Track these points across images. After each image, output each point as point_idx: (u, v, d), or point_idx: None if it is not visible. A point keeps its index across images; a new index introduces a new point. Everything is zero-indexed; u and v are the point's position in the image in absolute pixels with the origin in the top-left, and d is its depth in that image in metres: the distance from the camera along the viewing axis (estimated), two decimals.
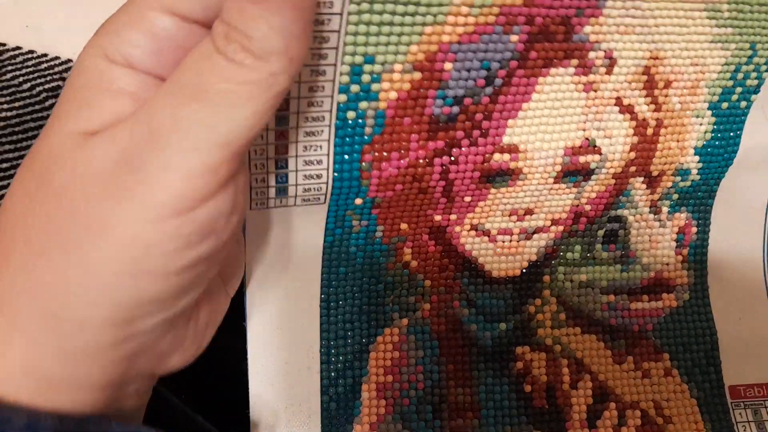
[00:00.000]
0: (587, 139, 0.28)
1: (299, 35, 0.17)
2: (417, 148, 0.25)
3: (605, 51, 0.26)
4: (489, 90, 0.25)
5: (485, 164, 0.27)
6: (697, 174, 0.32)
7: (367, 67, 0.22)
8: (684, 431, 0.31)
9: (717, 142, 0.31)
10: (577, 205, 0.31)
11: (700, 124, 0.30)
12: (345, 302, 0.30)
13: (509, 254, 0.31)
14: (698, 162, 0.31)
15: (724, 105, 0.30)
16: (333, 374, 0.29)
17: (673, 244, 0.33)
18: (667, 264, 0.33)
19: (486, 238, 0.30)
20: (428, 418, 0.30)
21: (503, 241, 0.30)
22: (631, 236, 0.33)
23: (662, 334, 0.32)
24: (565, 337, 0.31)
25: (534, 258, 0.32)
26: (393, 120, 0.24)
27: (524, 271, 0.32)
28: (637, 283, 0.32)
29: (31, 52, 0.36)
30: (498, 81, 0.25)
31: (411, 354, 0.30)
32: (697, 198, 0.33)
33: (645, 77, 0.28)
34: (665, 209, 0.33)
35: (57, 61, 0.36)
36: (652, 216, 0.33)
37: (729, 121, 0.30)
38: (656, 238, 0.33)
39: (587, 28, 0.25)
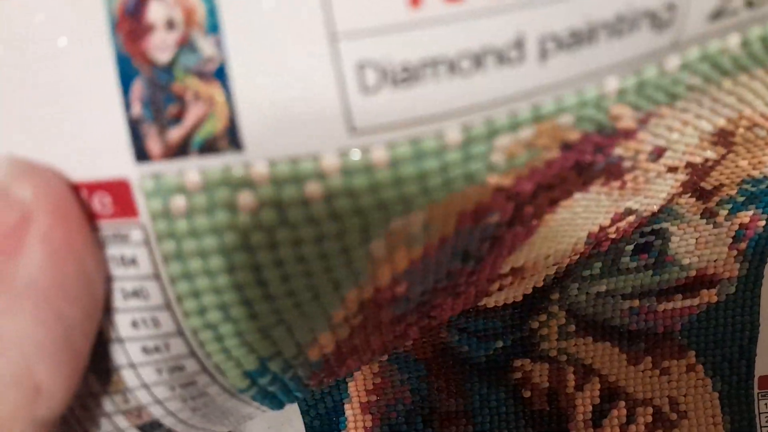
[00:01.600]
0: (617, 212, 0.20)
1: None
2: (381, 346, 0.18)
3: (650, 149, 0.16)
4: (470, 264, 0.17)
5: (479, 297, 0.20)
6: None
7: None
8: (700, 425, 0.28)
9: None
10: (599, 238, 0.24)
11: None
12: None
13: (509, 288, 0.25)
14: None
15: None
16: (311, 402, 0.28)
17: (729, 240, 0.26)
18: (716, 260, 0.26)
19: None
20: (419, 428, 0.28)
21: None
22: (670, 243, 0.26)
23: (691, 332, 0.28)
24: (573, 347, 0.28)
25: (540, 284, 0.26)
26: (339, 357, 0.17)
27: (527, 294, 0.26)
28: (671, 284, 0.27)
29: None
30: (481, 252, 0.16)
31: (395, 377, 0.28)
32: None
33: (717, 137, 0.18)
34: (724, 212, 0.25)
35: None
36: (704, 221, 0.25)
37: None
38: (705, 239, 0.26)
39: (617, 150, 0.15)
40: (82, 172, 0.11)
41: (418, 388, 0.28)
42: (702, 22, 0.11)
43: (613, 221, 0.22)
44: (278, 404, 0.17)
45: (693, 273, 0.26)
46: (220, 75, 0.10)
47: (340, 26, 0.10)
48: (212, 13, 0.10)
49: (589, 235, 0.22)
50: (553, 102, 0.11)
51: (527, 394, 0.28)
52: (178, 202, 0.11)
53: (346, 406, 0.28)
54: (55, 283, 0.11)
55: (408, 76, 0.10)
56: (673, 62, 0.12)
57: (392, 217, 0.12)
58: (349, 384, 0.27)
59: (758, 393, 0.28)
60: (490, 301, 0.26)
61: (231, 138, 0.11)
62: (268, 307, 0.13)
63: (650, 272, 0.26)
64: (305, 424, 0.28)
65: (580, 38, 0.10)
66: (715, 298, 0.27)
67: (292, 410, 0.28)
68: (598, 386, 0.28)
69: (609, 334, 0.27)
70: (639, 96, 0.12)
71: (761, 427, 0.28)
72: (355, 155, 0.11)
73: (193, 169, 0.11)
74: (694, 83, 0.12)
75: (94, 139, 0.11)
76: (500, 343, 0.27)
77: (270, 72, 0.10)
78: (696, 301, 0.27)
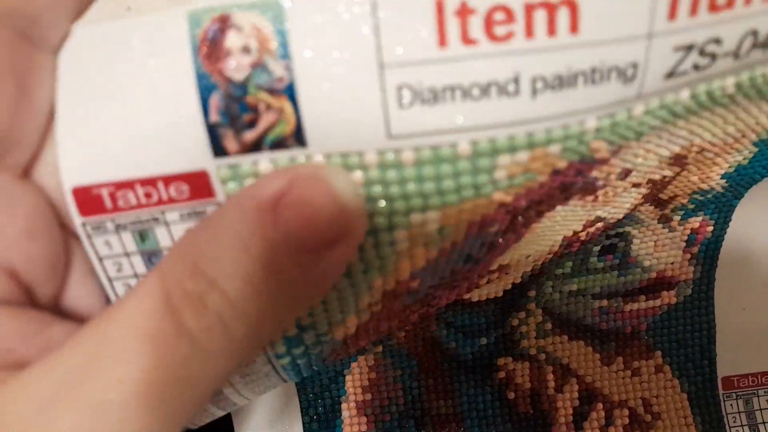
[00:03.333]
0: (589, 220, 0.24)
1: None
2: (387, 329, 0.20)
3: (619, 171, 0.20)
4: (470, 264, 0.19)
5: (469, 289, 0.23)
6: (723, 189, 0.26)
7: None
8: (673, 426, 0.30)
9: (754, 167, 0.25)
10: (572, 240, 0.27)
11: (737, 158, 0.24)
12: None
13: (491, 282, 0.28)
14: (726, 183, 0.26)
15: None
16: (311, 396, 0.29)
17: (682, 244, 0.29)
18: (672, 263, 0.29)
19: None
20: (411, 431, 0.30)
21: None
22: (632, 245, 0.29)
23: (656, 332, 0.30)
24: (550, 345, 0.30)
25: (518, 280, 0.29)
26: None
27: (507, 290, 0.29)
28: (635, 285, 0.29)
29: None
30: (480, 255, 0.19)
31: (389, 373, 0.29)
32: (720, 203, 0.28)
33: (673, 159, 0.22)
34: (677, 218, 0.28)
35: None
36: (660, 226, 0.28)
37: None
38: (663, 242, 0.29)
39: (594, 173, 0.19)
40: (163, 167, 0.14)
41: (410, 386, 0.29)
42: (659, 80, 0.14)
43: (585, 227, 0.25)
44: (299, 376, 0.19)
45: (653, 275, 0.29)
46: (289, 91, 0.13)
47: (386, 59, 0.13)
48: (283, 44, 0.13)
49: (564, 238, 0.25)
50: (544, 132, 0.14)
51: (511, 395, 0.30)
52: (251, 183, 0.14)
53: (343, 406, 0.29)
54: None
55: (433, 97, 0.13)
56: (638, 109, 0.15)
57: (413, 210, 0.15)
58: (347, 378, 0.29)
59: (723, 394, 0.30)
60: (474, 295, 0.28)
61: (297, 138, 0.13)
62: None
63: (615, 273, 0.29)
64: (304, 425, 0.29)
65: (562, 82, 0.13)
66: (674, 300, 0.30)
67: (293, 413, 0.29)
68: (576, 387, 0.30)
69: (582, 332, 0.30)
70: (612, 134, 0.15)
71: (730, 427, 0.30)
72: (390, 155, 0.14)
73: (265, 160, 0.14)
74: (655, 124, 0.16)
75: (175, 140, 0.13)
76: (484, 340, 0.29)
77: (331, 92, 0.13)
78: (657, 302, 0.30)
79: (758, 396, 0.30)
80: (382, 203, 0.14)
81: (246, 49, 0.13)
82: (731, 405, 0.30)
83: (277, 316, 0.14)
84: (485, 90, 0.13)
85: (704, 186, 0.27)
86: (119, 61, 0.13)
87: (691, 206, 0.28)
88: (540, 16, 0.12)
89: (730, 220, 0.29)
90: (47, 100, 0.14)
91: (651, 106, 0.15)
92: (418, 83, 0.13)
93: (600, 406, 0.30)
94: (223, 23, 0.13)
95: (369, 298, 0.17)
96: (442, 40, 0.13)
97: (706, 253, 0.29)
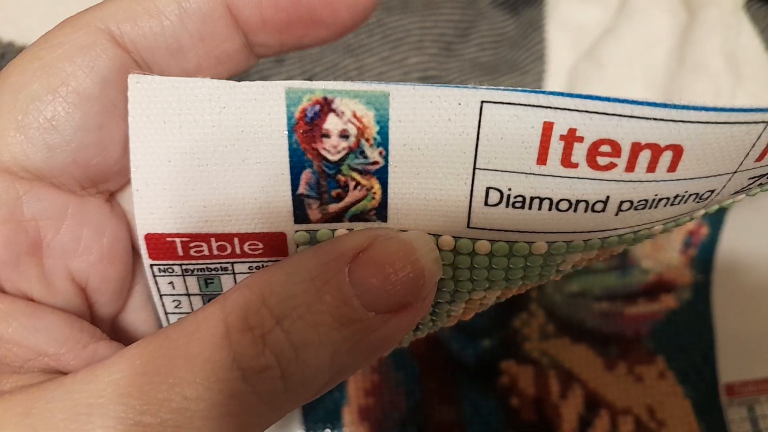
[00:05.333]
0: None
1: None
2: None
3: None
4: None
5: None
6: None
7: None
8: None
9: None
10: None
11: None
12: None
13: None
14: None
15: None
16: (313, 401, 0.28)
17: (679, 246, 0.29)
18: (669, 265, 0.29)
19: None
20: None
21: None
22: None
23: (657, 336, 0.30)
24: (552, 348, 0.29)
25: None
26: None
27: None
28: (633, 288, 0.29)
29: (11, 44, 0.32)
30: None
31: (391, 375, 0.29)
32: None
33: None
34: None
35: None
36: None
37: None
38: (660, 243, 0.29)
39: None
40: (242, 227, 0.14)
41: (412, 390, 0.29)
42: (728, 196, 0.14)
43: None
44: None
45: (653, 277, 0.29)
46: (379, 173, 0.13)
47: (481, 163, 0.13)
48: (383, 133, 0.13)
49: None
50: (617, 237, 0.14)
51: (515, 402, 0.29)
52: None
53: (345, 411, 0.28)
54: None
55: (520, 203, 0.13)
56: (699, 213, 0.15)
57: (476, 290, 0.15)
58: (349, 380, 0.28)
59: (726, 400, 0.30)
60: None
61: (378, 214, 0.14)
62: None
63: (615, 274, 0.29)
64: (305, 431, 0.28)
65: (646, 205, 0.14)
66: (673, 303, 0.29)
67: (294, 419, 0.29)
68: (580, 393, 0.29)
69: (584, 335, 0.29)
70: (671, 228, 0.15)
71: None
72: (465, 242, 0.14)
73: (343, 229, 0.14)
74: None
75: (258, 205, 0.14)
76: (487, 342, 0.29)
77: (420, 179, 0.14)
78: (657, 307, 0.29)
79: (761, 402, 0.30)
80: (450, 284, 0.15)
81: (344, 134, 0.13)
82: (734, 411, 0.29)
83: (333, 370, 0.13)
84: (573, 205, 0.13)
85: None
86: (206, 120, 0.13)
87: None
88: (644, 156, 0.13)
89: (722, 222, 0.29)
90: None
91: (710, 209, 0.15)
92: (507, 189, 0.13)
93: (604, 413, 0.29)
94: (324, 106, 0.13)
95: (409, 342, 0.17)
96: (542, 159, 0.13)
97: (703, 256, 0.29)
